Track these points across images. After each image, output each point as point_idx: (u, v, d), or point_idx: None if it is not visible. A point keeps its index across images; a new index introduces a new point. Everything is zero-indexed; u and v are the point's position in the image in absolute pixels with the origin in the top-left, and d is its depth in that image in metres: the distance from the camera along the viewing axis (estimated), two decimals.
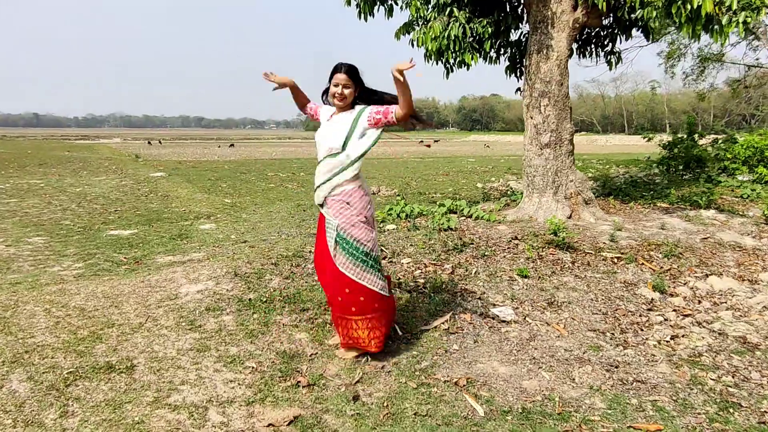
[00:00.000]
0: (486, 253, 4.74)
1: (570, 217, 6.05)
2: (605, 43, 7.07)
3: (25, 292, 3.89)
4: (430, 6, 6.35)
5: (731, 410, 2.53)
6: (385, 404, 2.55)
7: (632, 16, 6.18)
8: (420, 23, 6.48)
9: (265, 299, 3.77)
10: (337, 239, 2.87)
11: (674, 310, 3.81)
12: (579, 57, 7.26)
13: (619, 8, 6.08)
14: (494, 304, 3.82)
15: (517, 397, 2.64)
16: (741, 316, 3.70)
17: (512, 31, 6.81)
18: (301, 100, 3.20)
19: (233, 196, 9.83)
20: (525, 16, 6.61)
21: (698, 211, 6.53)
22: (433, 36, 6.04)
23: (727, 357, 3.10)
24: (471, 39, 6.17)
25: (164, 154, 23.56)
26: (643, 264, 4.62)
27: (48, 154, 20.73)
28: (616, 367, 2.97)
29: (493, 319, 3.59)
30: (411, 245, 4.97)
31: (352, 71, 2.87)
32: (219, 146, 34.76)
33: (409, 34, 6.64)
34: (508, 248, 4.90)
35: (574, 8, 5.91)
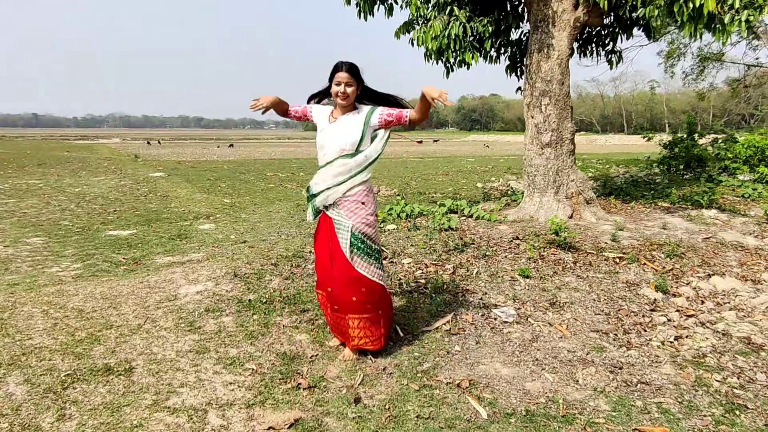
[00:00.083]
0: (487, 253, 4.71)
1: (571, 216, 6.02)
2: (606, 42, 7.04)
3: (22, 293, 3.86)
4: (430, 5, 6.32)
5: (737, 412, 2.50)
6: (386, 407, 2.52)
7: (634, 14, 6.14)
8: (420, 22, 6.45)
9: (264, 300, 3.74)
10: (352, 240, 2.84)
11: (677, 311, 3.78)
12: (580, 56, 7.24)
13: (620, 7, 6.05)
14: (496, 305, 3.79)
15: (521, 399, 2.61)
16: (745, 316, 3.67)
17: (513, 30, 6.78)
18: (282, 107, 3.04)
19: (232, 196, 9.79)
20: (526, 14, 6.58)
21: (700, 211, 6.51)
22: (433, 35, 6.01)
23: (731, 358, 3.07)
24: (471, 38, 6.14)
25: (163, 154, 23.52)
26: (645, 264, 4.59)
27: (47, 155, 20.69)
28: (620, 369, 2.94)
29: (495, 319, 3.56)
30: (412, 245, 4.94)
31: (353, 69, 2.85)
32: (218, 146, 34.73)
33: (409, 33, 6.61)
34: (510, 248, 4.87)
35: (575, 7, 5.88)
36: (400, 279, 4.21)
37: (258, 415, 2.42)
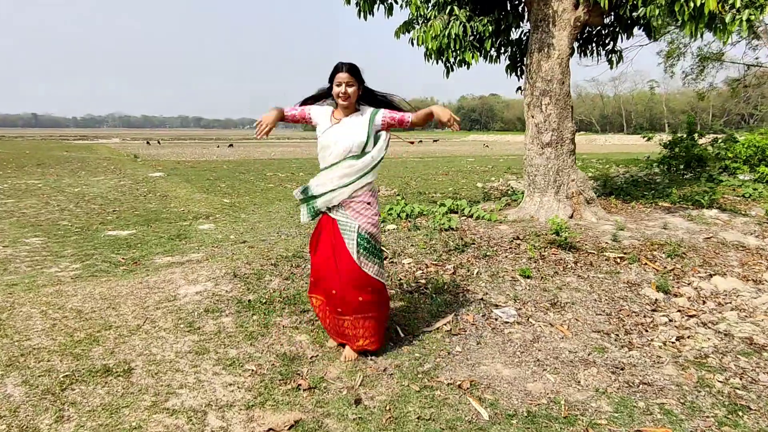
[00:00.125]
0: (488, 254, 4.69)
1: (572, 216, 6.01)
2: (606, 41, 7.03)
3: (21, 294, 3.84)
4: (430, 4, 6.30)
5: (740, 413, 2.48)
6: (387, 408, 2.50)
7: (634, 14, 6.13)
8: (420, 22, 6.43)
9: (264, 300, 3.72)
10: (359, 240, 2.84)
11: (679, 311, 3.76)
12: (580, 56, 7.22)
13: (620, 6, 6.03)
14: (497, 305, 3.78)
15: (522, 400, 2.60)
16: (746, 316, 3.66)
17: (513, 29, 6.76)
18: (280, 116, 3.00)
19: (232, 196, 9.78)
20: (526, 14, 6.57)
21: (700, 211, 6.49)
22: (433, 35, 5.99)
23: (733, 358, 3.05)
24: (471, 37, 6.12)
25: (163, 154, 23.49)
26: (646, 264, 4.58)
27: (46, 155, 20.67)
28: (622, 369, 2.92)
29: (496, 320, 3.55)
30: (412, 245, 4.92)
31: (353, 69, 2.85)
32: (218, 146, 34.70)
33: (409, 32, 6.59)
34: (510, 248, 4.86)
35: (576, 6, 5.87)
36: (401, 279, 4.19)
37: (258, 416, 2.40)
